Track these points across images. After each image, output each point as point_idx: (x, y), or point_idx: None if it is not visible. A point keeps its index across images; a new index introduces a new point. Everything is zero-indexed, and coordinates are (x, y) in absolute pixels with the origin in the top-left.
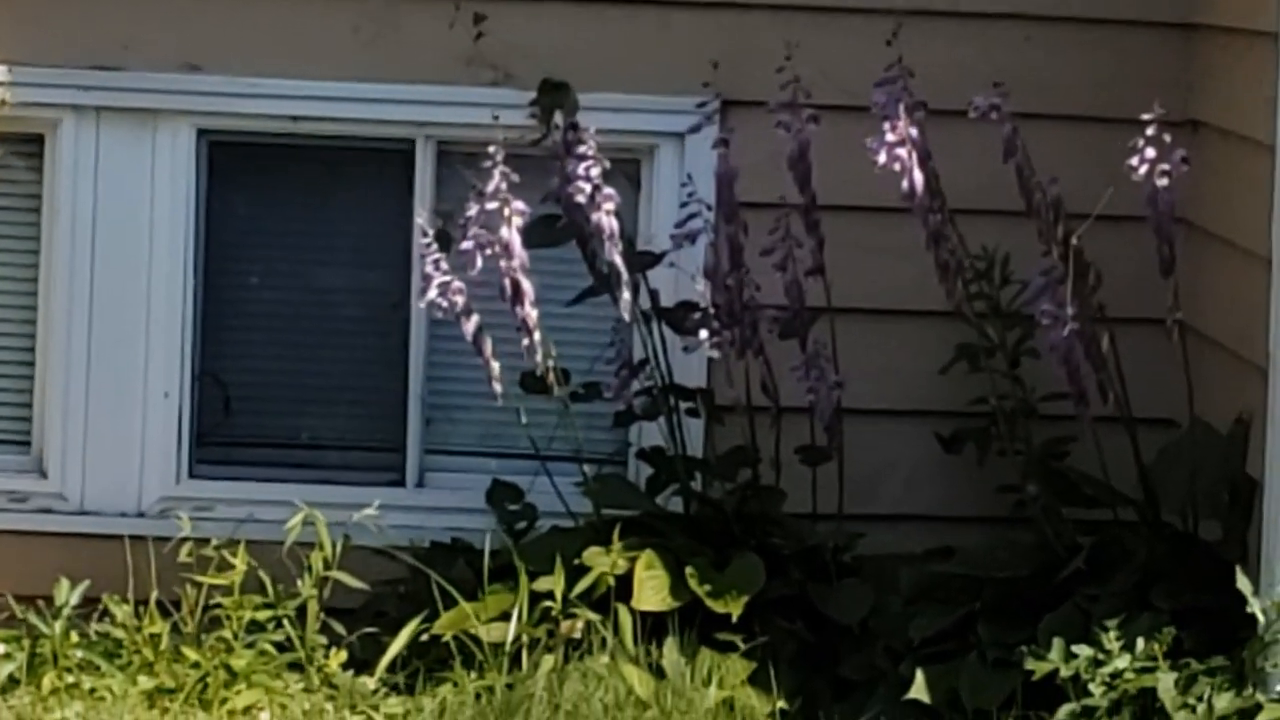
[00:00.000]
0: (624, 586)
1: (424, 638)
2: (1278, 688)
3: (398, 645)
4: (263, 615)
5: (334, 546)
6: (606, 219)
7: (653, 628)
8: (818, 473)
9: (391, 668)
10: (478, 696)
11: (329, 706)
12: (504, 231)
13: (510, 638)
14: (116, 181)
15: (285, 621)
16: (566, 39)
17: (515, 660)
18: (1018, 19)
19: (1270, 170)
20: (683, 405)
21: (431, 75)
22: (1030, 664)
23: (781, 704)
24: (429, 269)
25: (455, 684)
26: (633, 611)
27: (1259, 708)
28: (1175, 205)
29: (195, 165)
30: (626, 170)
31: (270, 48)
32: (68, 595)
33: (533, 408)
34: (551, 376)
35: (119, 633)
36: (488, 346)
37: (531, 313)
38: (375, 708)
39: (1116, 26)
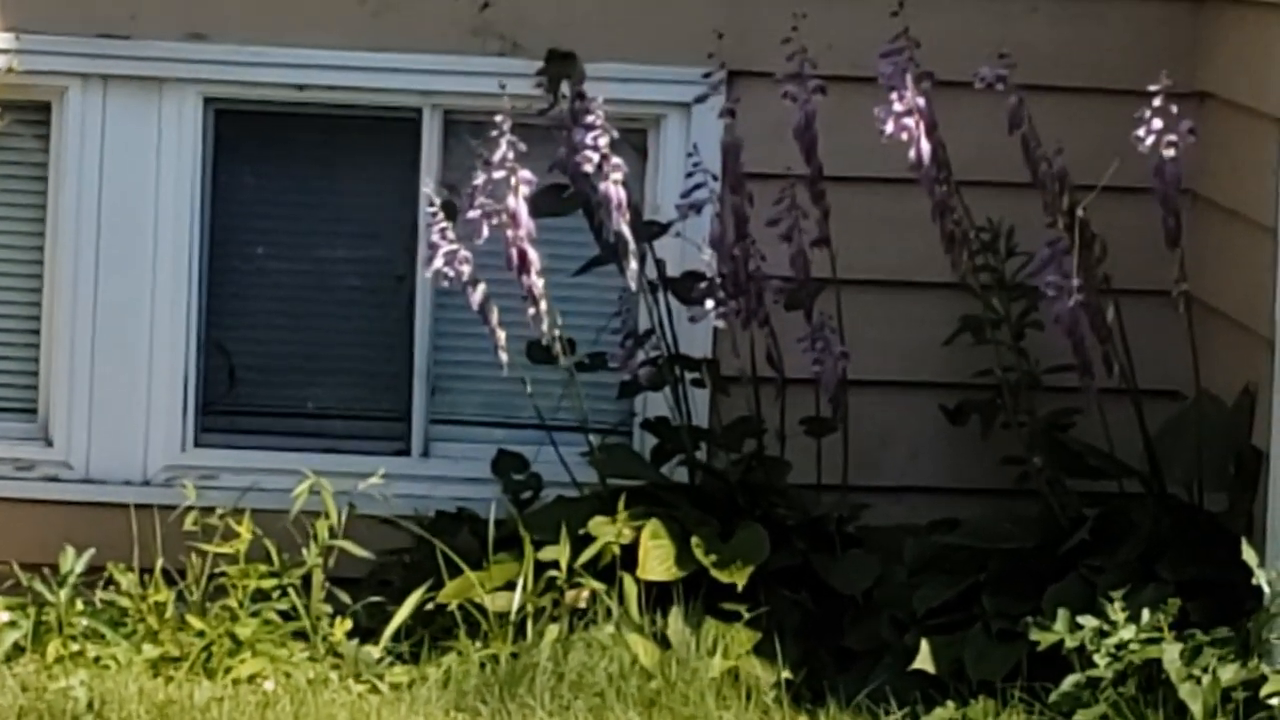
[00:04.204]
0: (629, 556)
1: (429, 607)
2: None
3: (402, 614)
4: (268, 584)
5: (339, 515)
6: (614, 189)
7: (658, 597)
8: (822, 444)
9: (396, 637)
10: (482, 666)
11: (333, 675)
12: (511, 201)
13: (515, 607)
14: (122, 150)
15: (290, 590)
16: (573, 8)
17: (520, 630)
18: None
19: (1277, 142)
20: (688, 375)
21: (438, 45)
22: (1035, 635)
23: (786, 674)
24: (435, 238)
25: (460, 653)
26: (638, 581)
27: (1264, 679)
28: (1181, 177)
29: (201, 134)
30: (633, 140)
31: (277, 16)
32: (73, 563)
33: (538, 377)
34: (557, 346)
35: (124, 601)
36: (494, 316)
37: (538, 282)
38: (380, 676)
39: None
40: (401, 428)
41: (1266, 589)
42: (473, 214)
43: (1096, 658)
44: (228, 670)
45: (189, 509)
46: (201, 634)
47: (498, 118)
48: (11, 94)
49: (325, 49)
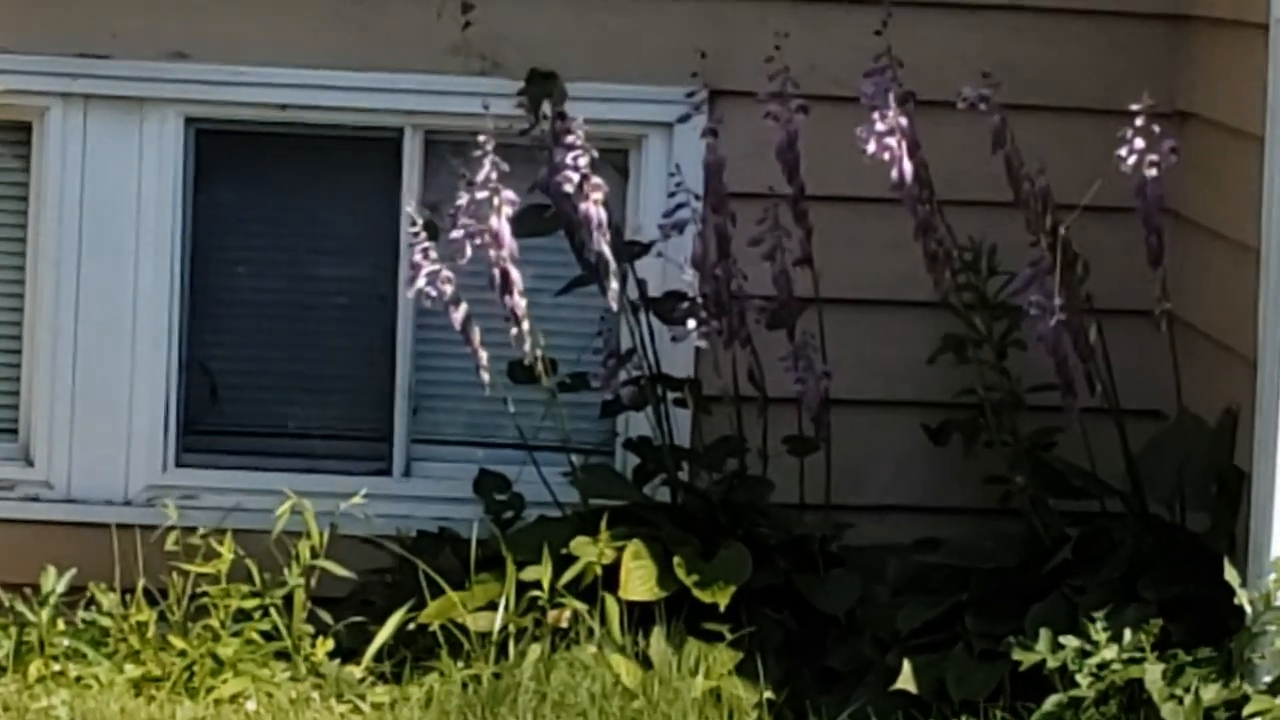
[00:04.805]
0: (611, 576)
1: (411, 627)
2: (1265, 679)
3: (384, 634)
4: (249, 604)
5: (321, 535)
6: (594, 209)
7: (640, 617)
8: (805, 463)
9: (378, 657)
10: (464, 686)
11: (315, 695)
12: (494, 221)
13: (497, 627)
14: (104, 170)
15: (272, 610)
16: (555, 28)
17: (502, 650)
18: (1007, 10)
19: (1259, 162)
20: (670, 395)
21: (420, 64)
22: (1017, 655)
23: (768, 694)
24: (417, 258)
25: (442, 673)
26: (620, 601)
27: (1246, 699)
28: (1163, 196)
29: (183, 153)
30: (615, 160)
31: (258, 36)
32: (54, 583)
33: (520, 397)
34: (539, 366)
35: (105, 621)
36: (476, 336)
37: (520, 302)
38: (362, 696)
39: (1106, 18)
40: (383, 448)
41: (1248, 609)
42: (456, 234)
43: (1079, 678)
44: (209, 690)
45: (170, 529)
46: (183, 654)
47: (481, 138)
48: None
49: (307, 69)
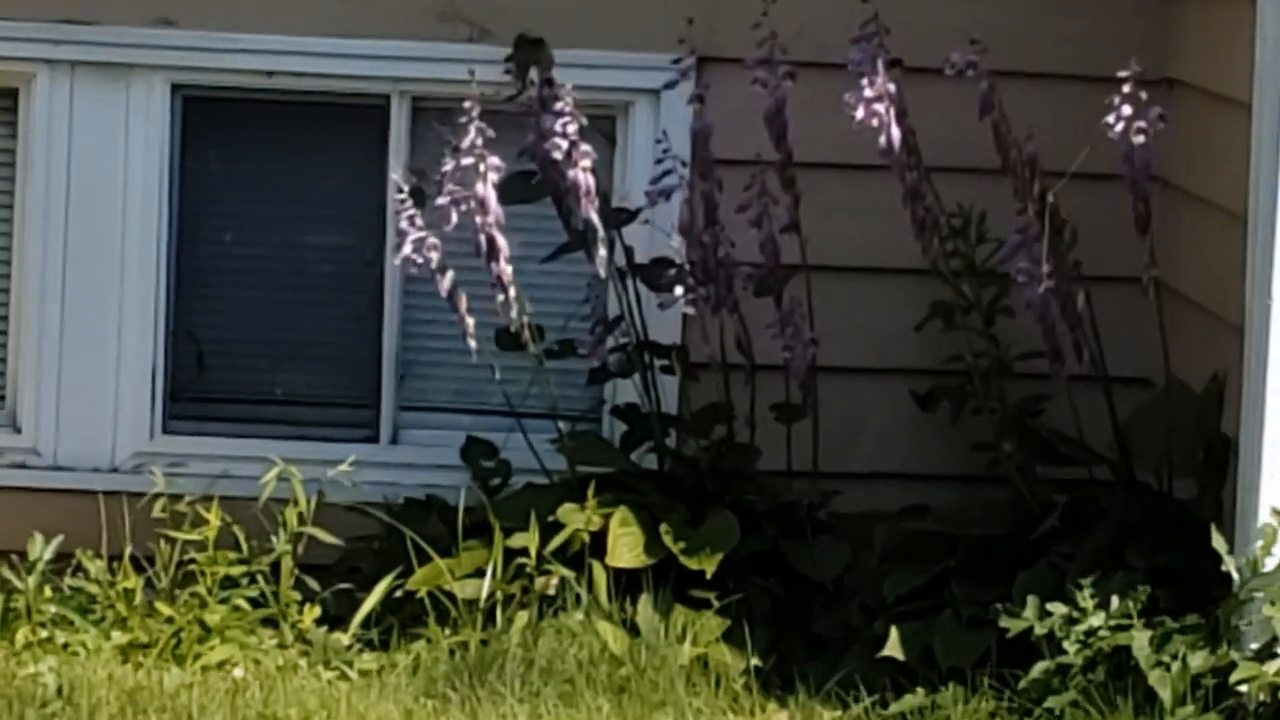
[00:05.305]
0: (598, 543)
1: (398, 594)
2: (1252, 645)
3: (372, 601)
4: (236, 571)
5: (308, 502)
6: (582, 175)
7: (627, 584)
8: (792, 430)
9: (365, 624)
10: (452, 653)
11: (302, 662)
12: (479, 187)
13: (484, 594)
14: (90, 137)
15: (259, 577)
16: None
17: (489, 616)
18: None
19: (1247, 129)
20: (657, 362)
21: (407, 31)
22: (1005, 622)
23: (755, 661)
24: (404, 225)
25: (429, 640)
26: (607, 568)
27: (1233, 665)
28: (1151, 163)
29: (169, 120)
30: (602, 126)
31: (245, 3)
32: (41, 550)
33: (507, 364)
34: (526, 333)
35: (93, 588)
36: (463, 303)
37: (507, 269)
38: (349, 663)
39: None
40: (370, 415)
41: (1235, 576)
42: (442, 200)
43: (1066, 645)
44: (197, 657)
45: (157, 496)
46: (170, 621)
47: (466, 104)
48: None
49: (294, 35)
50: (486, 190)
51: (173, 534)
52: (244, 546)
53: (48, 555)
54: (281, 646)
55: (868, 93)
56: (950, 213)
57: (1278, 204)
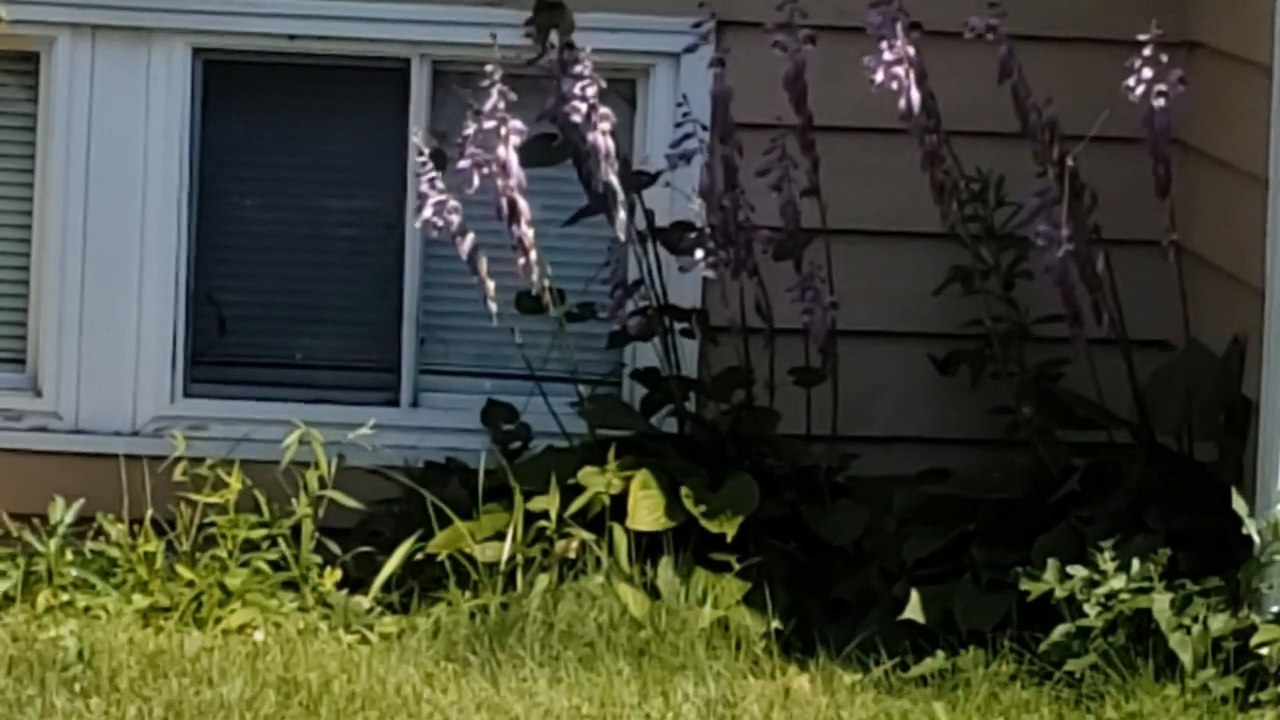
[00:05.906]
0: (619, 506)
1: (418, 557)
2: (1273, 608)
3: (392, 564)
4: (257, 534)
5: (329, 466)
6: (602, 139)
7: (647, 548)
8: (812, 394)
9: (386, 587)
10: (472, 616)
11: (323, 625)
12: (501, 150)
13: (505, 557)
14: (111, 100)
15: (280, 541)
16: None
17: (510, 580)
18: None
19: (1267, 92)
20: (677, 326)
21: None
22: (1025, 585)
23: (776, 624)
24: (424, 188)
25: (450, 603)
26: (627, 531)
27: (1254, 628)
28: (1171, 126)
29: (190, 84)
30: (622, 90)
31: None
32: (63, 513)
33: (528, 328)
34: (547, 296)
35: (114, 551)
36: (483, 266)
37: (528, 232)
38: (370, 627)
39: None
40: (391, 378)
41: (1256, 538)
42: (463, 164)
43: (1086, 607)
44: (217, 620)
45: (178, 459)
46: (191, 584)
47: (488, 67)
48: (1, 44)
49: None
50: (508, 153)
51: (194, 497)
52: (265, 510)
53: (69, 519)
54: (302, 610)
55: (887, 56)
56: (969, 176)
57: None
